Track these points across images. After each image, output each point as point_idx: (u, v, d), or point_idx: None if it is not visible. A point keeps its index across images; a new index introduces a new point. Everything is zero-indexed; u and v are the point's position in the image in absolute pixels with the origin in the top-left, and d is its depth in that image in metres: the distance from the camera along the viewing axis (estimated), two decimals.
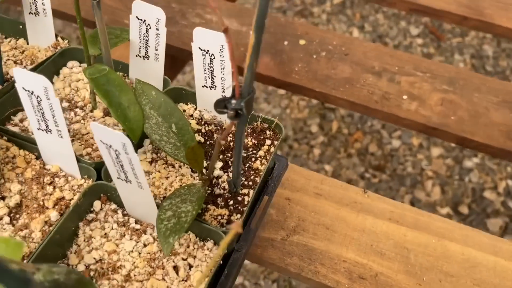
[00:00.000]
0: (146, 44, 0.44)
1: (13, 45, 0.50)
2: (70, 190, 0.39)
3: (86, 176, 0.40)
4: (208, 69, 0.41)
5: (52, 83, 0.47)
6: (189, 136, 0.40)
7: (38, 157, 0.41)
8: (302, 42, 0.71)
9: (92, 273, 0.36)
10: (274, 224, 0.54)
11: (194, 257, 0.37)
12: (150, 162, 0.42)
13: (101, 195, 0.39)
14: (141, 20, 0.43)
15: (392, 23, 1.73)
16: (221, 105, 0.30)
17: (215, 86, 0.42)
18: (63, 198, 0.39)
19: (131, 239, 0.38)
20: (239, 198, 0.41)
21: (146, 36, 0.43)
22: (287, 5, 1.79)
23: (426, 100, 0.65)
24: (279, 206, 0.55)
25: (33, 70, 0.45)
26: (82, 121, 0.44)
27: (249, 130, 0.44)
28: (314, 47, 0.71)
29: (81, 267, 0.37)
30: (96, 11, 0.39)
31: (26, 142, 0.41)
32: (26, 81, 0.34)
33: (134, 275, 0.36)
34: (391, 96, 0.65)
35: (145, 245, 0.38)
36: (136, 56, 0.45)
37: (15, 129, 0.42)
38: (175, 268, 0.37)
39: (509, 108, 0.63)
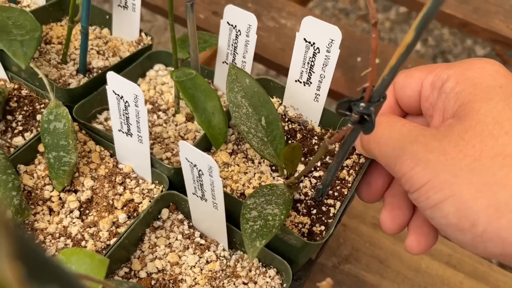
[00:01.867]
0: (234, 51, 0.43)
1: (97, 34, 0.50)
2: (140, 194, 0.39)
3: (156, 181, 0.40)
4: (309, 63, 0.38)
5: (138, 84, 0.47)
6: (278, 133, 0.37)
7: (113, 155, 0.41)
8: (376, 60, 0.69)
9: (153, 282, 0.36)
10: (326, 250, 0.53)
11: (255, 282, 0.37)
12: (230, 154, 0.40)
13: (170, 203, 0.39)
14: (231, 25, 0.42)
15: (457, 40, 1.67)
16: (344, 106, 0.26)
17: (311, 83, 0.39)
18: (132, 200, 0.39)
19: (194, 253, 0.38)
20: (324, 208, 0.38)
21: (235, 43, 0.42)
22: (350, 7, 1.75)
23: None
24: (334, 232, 0.54)
25: (118, 66, 0.45)
26: (164, 125, 0.44)
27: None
28: None
29: (143, 274, 0.37)
30: (189, 13, 0.38)
31: (103, 139, 0.41)
32: (117, 85, 0.34)
33: None
34: None
35: (207, 262, 0.37)
36: (223, 62, 0.44)
37: (100, 127, 0.42)
38: None
39: None
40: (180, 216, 0.39)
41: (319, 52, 0.37)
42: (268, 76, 0.44)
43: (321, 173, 0.39)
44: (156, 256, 0.37)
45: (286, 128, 0.42)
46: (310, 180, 0.39)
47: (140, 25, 0.48)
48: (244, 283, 0.37)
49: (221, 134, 0.39)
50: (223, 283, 0.36)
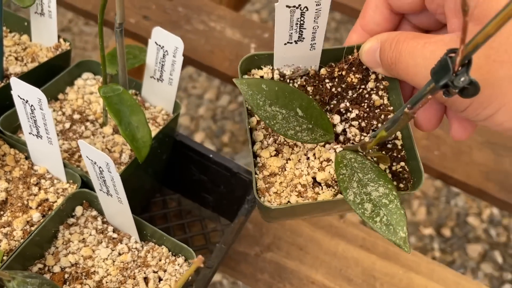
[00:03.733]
0: (161, 68, 0.45)
1: (16, 40, 0.51)
2: (55, 193, 0.41)
3: (71, 181, 0.42)
4: (297, 24, 0.36)
5: (66, 93, 0.48)
6: (317, 112, 0.35)
7: (28, 157, 0.43)
8: None
9: (66, 276, 0.38)
10: (250, 239, 0.56)
11: (165, 270, 0.39)
12: (276, 154, 0.36)
13: (84, 201, 0.41)
14: (159, 45, 0.43)
15: None
16: (440, 85, 0.24)
17: (303, 38, 0.36)
18: (47, 200, 0.41)
19: (107, 247, 0.40)
20: (389, 146, 0.36)
21: (162, 61, 0.44)
22: None
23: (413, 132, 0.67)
24: (257, 221, 0.57)
25: (35, 71, 0.47)
26: (91, 137, 0.45)
27: (346, 66, 0.37)
28: None
29: (56, 269, 0.39)
30: (118, 37, 0.40)
31: (17, 143, 0.43)
32: (21, 90, 0.36)
33: (106, 282, 0.38)
34: None
35: (119, 254, 0.40)
36: (151, 77, 0.46)
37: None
38: (146, 279, 0.39)
39: (492, 149, 0.65)
40: (94, 213, 0.41)
41: (307, 10, 0.35)
42: (250, 54, 0.39)
43: (356, 111, 0.37)
44: (69, 251, 0.39)
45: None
46: (351, 124, 0.37)
47: (58, 30, 0.50)
48: (154, 272, 0.39)
49: (145, 146, 0.40)
50: (134, 273, 0.39)
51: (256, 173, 0.35)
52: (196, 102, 1.40)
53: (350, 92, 0.37)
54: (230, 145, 1.34)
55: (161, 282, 0.39)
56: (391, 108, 0.36)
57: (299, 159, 0.36)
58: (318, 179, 0.35)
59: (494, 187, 0.62)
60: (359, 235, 0.57)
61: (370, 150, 0.33)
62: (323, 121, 0.35)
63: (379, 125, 0.36)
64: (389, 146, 0.36)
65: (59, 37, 0.50)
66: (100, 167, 0.34)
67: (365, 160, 0.33)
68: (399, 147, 0.36)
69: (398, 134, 0.36)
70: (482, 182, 0.62)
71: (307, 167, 0.35)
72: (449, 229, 1.25)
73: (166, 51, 0.43)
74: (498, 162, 0.64)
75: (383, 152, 0.35)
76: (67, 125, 0.45)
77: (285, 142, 0.36)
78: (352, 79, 0.37)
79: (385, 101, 0.37)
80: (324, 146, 0.36)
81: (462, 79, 0.23)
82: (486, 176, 0.62)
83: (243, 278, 0.53)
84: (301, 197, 0.34)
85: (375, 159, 0.34)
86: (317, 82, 0.38)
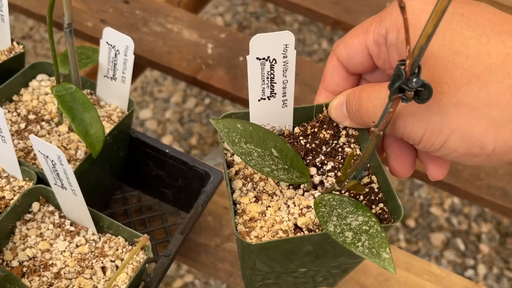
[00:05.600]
0: (114, 67, 0.46)
1: None
2: (11, 191, 0.42)
3: (27, 178, 0.43)
4: (268, 78, 0.37)
5: (21, 95, 0.49)
6: (291, 153, 0.36)
7: None
8: None
9: (24, 269, 0.40)
10: (210, 231, 0.58)
11: (122, 259, 0.41)
12: (256, 201, 0.37)
13: (40, 197, 0.42)
14: (110, 45, 0.45)
15: None
16: (395, 90, 0.26)
17: (275, 94, 0.38)
18: (3, 197, 0.42)
19: (64, 240, 0.41)
20: (366, 189, 0.37)
21: (114, 60, 0.46)
22: (260, 11, 1.83)
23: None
24: (216, 214, 0.59)
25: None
26: (47, 135, 0.46)
27: (317, 124, 0.40)
28: None
29: (15, 263, 0.40)
30: (68, 37, 0.41)
31: None
32: None
33: (64, 273, 0.39)
34: None
35: (77, 246, 0.41)
36: (104, 76, 0.47)
37: None
38: (103, 268, 0.40)
39: None
40: (51, 208, 0.43)
41: (276, 63, 0.37)
42: (226, 112, 0.40)
43: (331, 163, 0.38)
44: (27, 246, 0.40)
45: None
46: (327, 175, 0.38)
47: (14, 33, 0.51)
48: (111, 261, 0.41)
49: (99, 142, 0.41)
50: (91, 263, 0.40)
51: (236, 219, 0.36)
52: (163, 106, 1.41)
53: (324, 147, 0.39)
54: (198, 147, 1.35)
55: (118, 270, 0.40)
56: (365, 157, 0.37)
57: (279, 207, 0.37)
58: (299, 224, 0.36)
59: None
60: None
61: (346, 182, 0.34)
62: (298, 163, 0.36)
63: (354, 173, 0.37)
64: (366, 189, 0.37)
65: (12, 40, 0.51)
66: (52, 161, 0.36)
67: (343, 197, 0.35)
68: (376, 190, 0.37)
69: (374, 178, 0.38)
70: None
71: (288, 214, 0.36)
72: (413, 219, 1.29)
73: (118, 50, 0.45)
74: None
75: (361, 198, 0.37)
76: (22, 125, 0.46)
77: (264, 190, 0.38)
78: (324, 135, 0.39)
79: (358, 152, 0.39)
80: (303, 194, 0.37)
81: (415, 80, 0.26)
82: None
83: (203, 268, 0.55)
84: None
85: (352, 193, 0.36)
86: (292, 140, 0.40)
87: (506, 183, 0.64)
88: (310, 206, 0.36)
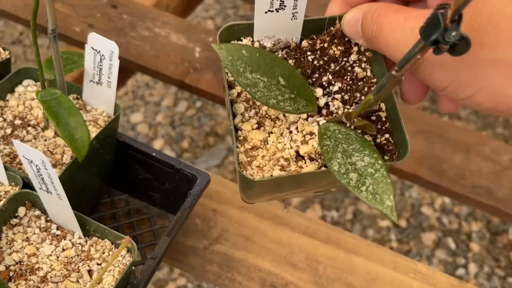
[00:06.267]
0: (99, 72, 0.46)
1: None
2: None
3: (13, 183, 0.43)
4: None
5: (7, 100, 0.49)
6: (299, 81, 0.34)
7: None
8: None
9: (11, 274, 0.40)
10: (198, 233, 0.58)
11: None
12: (258, 127, 0.35)
13: (26, 201, 0.43)
14: (95, 50, 0.45)
15: None
16: (430, 41, 0.23)
17: (285, 6, 0.35)
18: None
19: (51, 244, 0.41)
20: (373, 118, 0.35)
21: (100, 65, 0.46)
22: (251, 14, 1.84)
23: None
24: (205, 216, 0.60)
25: None
26: (33, 140, 0.46)
27: (328, 38, 0.36)
28: None
29: (1, 268, 0.40)
30: (52, 43, 0.42)
31: None
32: None
33: (50, 277, 0.40)
34: None
35: (63, 250, 0.41)
36: (90, 81, 0.48)
37: None
38: (90, 272, 0.40)
39: (424, 138, 0.70)
40: (37, 213, 0.43)
41: None
42: (230, 23, 0.38)
43: (339, 84, 0.36)
44: (13, 250, 0.41)
45: None
46: (334, 97, 0.36)
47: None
48: (98, 264, 0.41)
49: (84, 146, 0.42)
50: (78, 266, 0.41)
51: (237, 146, 0.34)
52: (154, 110, 1.41)
53: (332, 65, 0.36)
54: (190, 150, 1.36)
55: (105, 273, 0.41)
56: (374, 80, 0.36)
57: (282, 133, 0.35)
58: (301, 152, 0.34)
59: (426, 171, 0.66)
60: (303, 223, 0.60)
61: (355, 120, 0.32)
62: (305, 91, 0.34)
63: (363, 97, 0.35)
64: (373, 118, 0.35)
65: None
66: (37, 165, 0.36)
67: (349, 131, 0.32)
68: (383, 119, 0.35)
69: (382, 105, 0.35)
70: (415, 168, 0.67)
71: (290, 141, 0.34)
72: (404, 220, 1.30)
73: (103, 55, 0.46)
74: (429, 149, 0.69)
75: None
76: (8, 131, 0.46)
77: (267, 115, 0.35)
78: (334, 51, 0.36)
79: (368, 73, 0.36)
80: (306, 119, 0.35)
81: (454, 33, 0.23)
82: (419, 162, 0.67)
83: (192, 270, 0.56)
84: (284, 171, 0.33)
85: (359, 131, 0.33)
86: (298, 55, 0.37)
87: (491, 182, 0.65)
88: (314, 133, 0.34)
